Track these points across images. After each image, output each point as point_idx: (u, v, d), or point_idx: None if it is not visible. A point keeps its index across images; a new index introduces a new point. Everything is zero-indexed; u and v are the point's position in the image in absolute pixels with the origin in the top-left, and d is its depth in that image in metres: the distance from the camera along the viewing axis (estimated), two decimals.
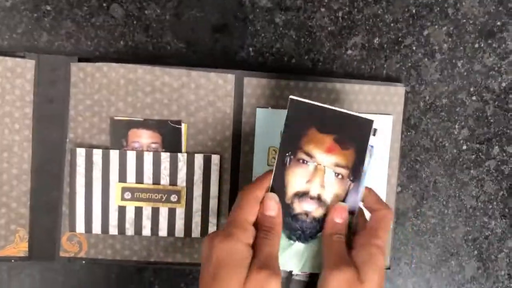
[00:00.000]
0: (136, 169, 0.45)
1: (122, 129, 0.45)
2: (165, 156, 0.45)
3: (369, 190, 0.38)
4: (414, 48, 0.48)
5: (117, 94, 0.44)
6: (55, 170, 0.45)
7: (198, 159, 0.45)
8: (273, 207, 0.35)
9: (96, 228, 0.45)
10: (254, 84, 0.45)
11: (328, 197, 0.37)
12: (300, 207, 0.37)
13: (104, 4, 0.46)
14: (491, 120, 0.49)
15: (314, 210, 0.37)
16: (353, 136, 0.36)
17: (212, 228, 0.46)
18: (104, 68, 0.44)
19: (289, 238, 0.37)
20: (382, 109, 0.47)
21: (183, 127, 0.45)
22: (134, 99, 0.45)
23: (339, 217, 0.37)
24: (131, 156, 0.45)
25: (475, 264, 0.50)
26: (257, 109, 0.45)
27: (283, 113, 0.44)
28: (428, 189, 0.49)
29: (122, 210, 0.45)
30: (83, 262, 0.46)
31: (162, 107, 0.45)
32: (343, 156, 0.36)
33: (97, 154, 0.45)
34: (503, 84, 0.49)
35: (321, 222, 0.37)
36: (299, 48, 0.47)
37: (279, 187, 0.36)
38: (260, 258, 0.33)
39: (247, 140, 0.46)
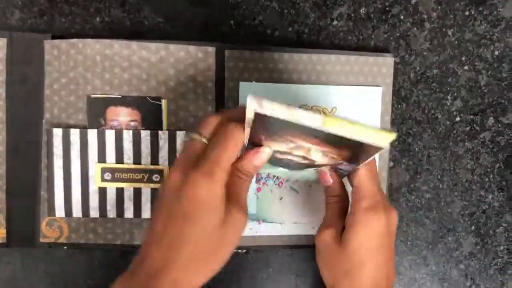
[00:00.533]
0: (116, 149, 0.43)
1: (100, 108, 0.43)
2: (145, 134, 0.43)
3: None
4: (402, 17, 0.46)
5: (93, 71, 0.42)
6: (31, 152, 0.43)
7: (180, 136, 0.43)
8: (263, 160, 0.34)
9: (77, 211, 0.43)
10: (236, 57, 0.43)
11: (316, 159, 0.35)
12: (283, 157, 0.36)
13: None
14: (485, 90, 0.47)
15: (299, 160, 0.36)
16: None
17: None
18: (79, 44, 0.42)
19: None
20: (370, 81, 0.45)
21: (163, 103, 0.43)
22: (111, 75, 0.43)
23: (326, 182, 0.38)
24: (109, 135, 0.43)
25: (473, 239, 0.48)
26: (240, 83, 0.44)
27: (268, 86, 0.43)
28: (422, 163, 0.47)
29: (102, 192, 0.43)
30: (65, 247, 0.44)
31: (140, 83, 0.43)
32: (337, 151, 0.33)
33: (75, 134, 0.43)
34: (496, 53, 0.47)
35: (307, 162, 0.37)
36: (282, 20, 0.46)
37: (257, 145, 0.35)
38: (240, 201, 0.32)
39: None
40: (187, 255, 0.30)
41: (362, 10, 0.46)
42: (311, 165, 0.37)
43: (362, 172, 0.36)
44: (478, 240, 0.48)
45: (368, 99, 0.45)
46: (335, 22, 0.46)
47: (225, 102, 0.44)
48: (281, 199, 0.45)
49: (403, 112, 0.47)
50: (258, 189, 0.44)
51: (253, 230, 0.45)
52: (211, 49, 0.43)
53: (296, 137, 0.31)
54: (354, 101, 0.44)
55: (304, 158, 0.35)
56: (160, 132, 0.43)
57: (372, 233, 0.36)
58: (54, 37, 0.43)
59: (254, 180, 0.44)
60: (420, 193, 0.47)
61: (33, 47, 0.43)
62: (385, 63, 0.45)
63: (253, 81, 0.44)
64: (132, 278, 0.31)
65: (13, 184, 0.43)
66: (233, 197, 0.32)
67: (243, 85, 0.43)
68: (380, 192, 0.37)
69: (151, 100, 0.43)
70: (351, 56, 0.44)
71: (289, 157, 0.36)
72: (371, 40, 0.46)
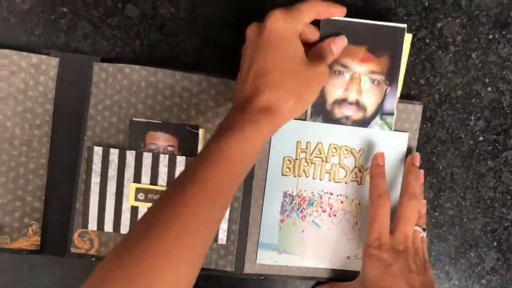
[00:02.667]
0: (151, 171, 0.45)
1: (140, 131, 0.45)
2: (180, 160, 0.45)
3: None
4: (427, 41, 0.48)
5: (137, 96, 0.45)
6: (71, 167, 0.46)
7: None
8: (341, 46, 0.42)
9: (108, 226, 0.46)
10: None
11: (366, 101, 0.42)
12: (340, 112, 0.43)
13: (119, 5, 0.47)
14: (507, 111, 0.49)
15: (354, 114, 0.44)
16: (385, 44, 0.42)
17: (222, 234, 0.46)
18: (126, 69, 0.45)
19: None
20: (398, 126, 0.47)
21: (200, 132, 0.45)
22: (153, 102, 0.45)
23: (380, 161, 0.45)
24: (147, 157, 0.45)
25: (494, 255, 0.50)
26: None
27: (298, 124, 0.45)
28: (445, 181, 0.49)
29: (134, 210, 0.46)
30: (93, 259, 0.46)
31: (180, 111, 0.45)
32: (376, 63, 0.43)
33: (114, 153, 0.45)
34: None
35: (361, 123, 0.44)
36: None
37: (318, 96, 0.41)
38: (321, 62, 0.39)
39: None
40: (274, 80, 0.35)
41: None
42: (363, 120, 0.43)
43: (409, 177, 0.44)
44: (499, 256, 0.50)
45: (394, 143, 0.47)
46: None
47: None
48: (303, 231, 0.47)
49: (427, 132, 0.49)
50: (282, 220, 0.46)
51: (273, 259, 0.46)
52: None
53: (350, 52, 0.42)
54: (381, 144, 0.46)
55: (357, 106, 0.43)
56: None
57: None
58: (103, 60, 0.45)
59: (278, 211, 0.46)
60: (444, 210, 0.49)
61: (82, 69, 0.45)
62: (414, 111, 0.47)
63: None
64: (230, 112, 0.36)
65: (51, 196, 0.46)
66: (316, 57, 0.39)
67: None
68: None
69: (189, 128, 0.45)
70: None
71: (345, 109, 0.43)
72: None
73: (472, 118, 0.49)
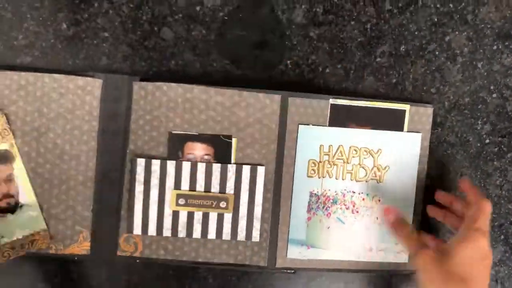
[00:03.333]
0: (190, 178, 0.50)
1: (179, 142, 0.50)
2: (216, 167, 0.50)
3: (465, 180, 0.48)
4: (437, 53, 0.52)
5: (175, 111, 0.49)
6: (116, 177, 0.50)
7: (246, 169, 0.50)
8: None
9: (152, 230, 0.50)
10: (297, 103, 0.50)
11: None
12: None
13: (156, 28, 0.51)
14: (511, 115, 0.53)
15: None
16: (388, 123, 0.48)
17: (255, 232, 0.51)
18: (164, 87, 0.49)
19: None
20: (411, 127, 0.51)
21: (233, 141, 0.50)
22: (190, 116, 0.50)
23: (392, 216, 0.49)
24: (186, 166, 0.50)
25: (502, 248, 0.54)
26: (299, 125, 0.50)
27: (320, 129, 0.50)
28: (455, 180, 0.54)
29: (175, 215, 0.50)
30: (137, 260, 0.51)
31: (214, 123, 0.50)
32: None
33: (156, 164, 0.50)
34: None
35: None
36: (332, 58, 0.52)
37: None
38: None
39: (289, 154, 0.51)
40: None
41: (402, 48, 0.52)
42: None
43: (480, 203, 0.45)
44: (507, 249, 0.54)
45: (408, 143, 0.51)
46: (378, 59, 0.52)
47: (285, 142, 0.50)
48: (328, 228, 0.51)
49: (438, 136, 0.53)
50: (309, 218, 0.51)
51: (302, 254, 0.51)
52: (277, 97, 0.50)
53: None
54: (397, 144, 0.51)
55: None
56: (229, 165, 0.50)
57: (478, 248, 0.42)
58: (142, 79, 0.50)
59: (305, 210, 0.51)
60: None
61: (123, 88, 0.50)
62: (425, 113, 0.51)
63: (310, 124, 0.50)
64: None
65: (99, 205, 0.51)
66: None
67: (301, 128, 0.50)
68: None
69: (223, 138, 0.50)
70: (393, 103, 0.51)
71: None
72: (410, 74, 0.53)
73: (479, 122, 0.53)
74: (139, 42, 0.51)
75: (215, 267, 0.52)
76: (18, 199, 0.49)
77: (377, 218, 0.52)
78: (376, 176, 0.51)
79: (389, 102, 0.51)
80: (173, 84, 0.49)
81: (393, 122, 0.51)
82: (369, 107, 0.50)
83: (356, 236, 0.52)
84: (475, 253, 0.42)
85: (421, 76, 0.53)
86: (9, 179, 0.48)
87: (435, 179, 0.53)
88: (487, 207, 0.44)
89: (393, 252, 0.52)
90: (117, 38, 0.51)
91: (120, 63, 0.51)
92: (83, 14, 0.51)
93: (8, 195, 0.48)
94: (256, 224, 0.51)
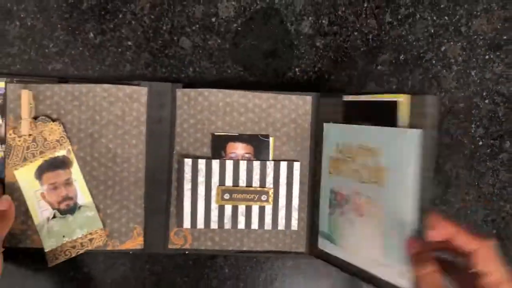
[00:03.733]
0: (233, 175, 0.54)
1: (221, 143, 0.54)
2: (256, 164, 0.54)
3: (454, 226, 0.38)
4: (433, 62, 0.57)
5: (216, 114, 0.54)
6: (164, 177, 0.54)
7: (283, 165, 0.55)
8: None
9: (200, 223, 0.54)
10: (326, 104, 0.54)
11: None
12: None
13: (175, 38, 0.56)
14: (503, 119, 0.58)
15: None
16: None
17: (294, 221, 0.55)
18: (205, 93, 0.53)
19: None
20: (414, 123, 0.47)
21: (271, 140, 0.55)
22: (230, 118, 0.54)
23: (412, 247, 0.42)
24: (229, 164, 0.54)
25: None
26: (324, 124, 0.53)
27: (339, 127, 0.51)
28: (451, 179, 0.58)
29: (221, 208, 0.55)
30: (186, 252, 0.55)
31: (253, 124, 0.54)
32: None
33: (201, 163, 0.54)
34: (511, 89, 0.57)
35: None
36: (336, 66, 0.57)
37: None
38: None
39: (320, 150, 0.54)
40: None
41: (401, 57, 0.57)
42: None
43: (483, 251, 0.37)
44: (499, 242, 0.58)
45: (407, 140, 0.44)
46: (379, 67, 0.57)
47: (318, 140, 0.54)
48: (343, 227, 0.51)
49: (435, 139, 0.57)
50: (330, 214, 0.53)
51: (327, 248, 0.53)
52: (309, 98, 0.54)
53: None
54: (395, 143, 0.45)
55: None
56: (267, 162, 0.54)
57: None
58: (184, 86, 0.54)
59: (327, 205, 0.53)
60: (450, 204, 0.58)
61: (167, 94, 0.54)
62: (429, 104, 0.45)
63: (331, 122, 0.53)
64: None
65: (150, 203, 0.54)
66: None
67: (326, 126, 0.53)
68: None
69: (261, 138, 0.54)
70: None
71: None
72: (409, 81, 0.57)
73: (473, 126, 0.58)
74: (160, 50, 0.56)
75: (237, 254, 0.56)
76: (76, 201, 0.53)
77: (378, 224, 0.47)
78: (377, 179, 0.47)
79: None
80: (213, 90, 0.53)
81: (390, 116, 0.46)
82: (374, 101, 0.48)
83: (362, 242, 0.49)
84: None
85: (419, 83, 0.57)
86: (68, 183, 0.53)
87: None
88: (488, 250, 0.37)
89: (396, 272, 0.45)
90: (140, 47, 0.56)
91: (142, 69, 0.56)
92: (109, 24, 0.55)
93: (67, 198, 0.52)
94: (294, 214, 0.55)
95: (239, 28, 0.56)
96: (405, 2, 0.56)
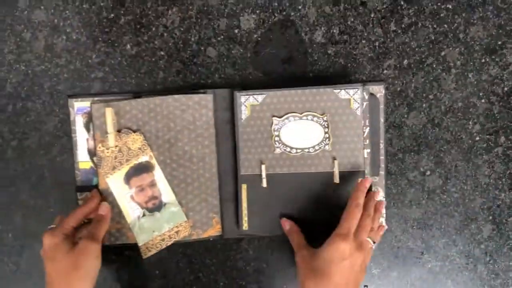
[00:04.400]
0: None
1: None
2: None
3: (361, 182, 0.58)
4: (434, 65, 0.63)
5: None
6: (233, 171, 0.62)
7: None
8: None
9: None
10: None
11: None
12: None
13: (202, 48, 0.63)
14: (498, 117, 0.64)
15: None
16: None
17: None
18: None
19: None
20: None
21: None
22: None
23: (367, 184, 0.59)
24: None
25: (490, 226, 0.65)
26: None
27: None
28: (451, 171, 0.64)
29: None
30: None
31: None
32: None
33: None
34: (505, 89, 0.64)
35: None
36: (346, 71, 0.63)
37: None
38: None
39: None
40: None
41: (405, 62, 0.63)
42: None
43: (349, 209, 0.56)
44: (494, 227, 0.65)
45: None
46: (385, 71, 0.63)
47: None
48: None
49: (436, 135, 0.64)
50: None
51: None
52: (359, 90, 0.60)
53: None
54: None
55: None
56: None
57: (335, 251, 0.52)
58: (243, 89, 0.60)
59: None
60: (450, 194, 0.65)
61: (230, 98, 0.60)
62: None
63: None
64: None
65: (224, 194, 0.62)
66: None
67: None
68: (352, 231, 0.54)
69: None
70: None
71: None
72: (412, 83, 0.63)
73: (470, 123, 0.64)
74: (189, 59, 0.63)
75: (260, 238, 0.63)
76: (161, 199, 0.61)
77: None
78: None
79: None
80: (271, 92, 0.59)
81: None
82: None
83: None
84: (334, 254, 0.52)
85: (421, 85, 0.63)
86: (152, 184, 0.61)
87: (433, 169, 0.64)
88: (353, 214, 0.55)
89: None
90: (171, 56, 0.63)
91: (174, 76, 0.63)
92: (143, 36, 0.63)
93: (153, 197, 0.61)
94: None
95: (259, 38, 0.63)
96: (408, 12, 0.62)
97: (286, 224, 0.60)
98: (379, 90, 0.63)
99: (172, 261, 0.65)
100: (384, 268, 0.65)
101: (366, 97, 0.61)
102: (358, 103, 0.60)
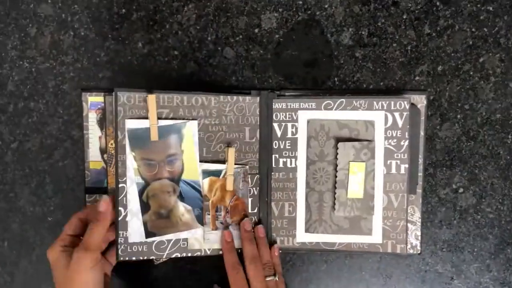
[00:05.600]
0: None
1: None
2: None
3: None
4: (471, 73, 0.58)
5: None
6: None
7: None
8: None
9: None
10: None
11: None
12: None
13: (219, 48, 0.58)
14: None
15: None
16: None
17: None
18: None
19: None
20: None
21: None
22: None
23: (247, 227, 0.57)
24: None
25: None
26: None
27: None
28: (486, 189, 0.59)
29: None
30: None
31: None
32: None
33: None
34: None
35: None
36: (375, 76, 0.58)
37: None
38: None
39: None
40: None
41: (439, 68, 0.58)
42: None
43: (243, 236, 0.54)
44: None
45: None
46: (417, 78, 0.58)
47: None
48: None
49: (471, 149, 0.58)
50: None
51: None
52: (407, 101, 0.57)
53: None
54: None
55: None
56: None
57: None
58: (279, 95, 0.57)
59: None
60: (485, 214, 0.59)
61: (269, 100, 0.56)
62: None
63: None
64: None
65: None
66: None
67: None
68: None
69: None
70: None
71: None
72: (446, 92, 0.58)
73: (510, 136, 0.58)
74: (205, 59, 0.58)
75: None
76: None
77: None
78: None
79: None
80: (305, 98, 0.56)
81: None
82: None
83: None
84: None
85: (456, 94, 0.58)
86: None
87: (466, 186, 0.59)
88: (234, 280, 0.52)
89: None
90: (185, 56, 0.58)
91: (187, 78, 0.58)
92: (156, 34, 0.58)
93: None
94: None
95: (281, 39, 0.58)
96: (445, 14, 0.57)
97: (227, 237, 0.56)
98: (420, 101, 0.57)
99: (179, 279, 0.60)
100: None
101: (407, 106, 0.55)
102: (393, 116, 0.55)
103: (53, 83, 0.59)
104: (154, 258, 0.55)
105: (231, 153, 0.54)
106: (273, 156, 0.57)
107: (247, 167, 0.56)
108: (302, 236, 0.58)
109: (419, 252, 0.58)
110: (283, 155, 0.57)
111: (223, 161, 0.55)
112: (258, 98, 0.56)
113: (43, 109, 0.59)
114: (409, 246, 0.58)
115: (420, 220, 0.58)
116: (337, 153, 0.56)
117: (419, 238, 0.58)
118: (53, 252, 0.49)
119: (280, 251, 0.56)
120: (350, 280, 0.60)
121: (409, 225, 0.58)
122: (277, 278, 0.53)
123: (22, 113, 0.59)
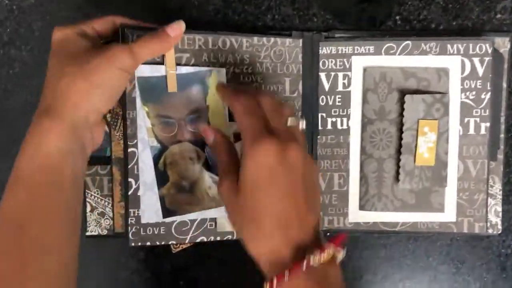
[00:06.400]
0: None
1: None
2: None
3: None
4: None
5: None
6: None
7: None
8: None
9: None
10: None
11: None
12: None
13: None
14: None
15: None
16: None
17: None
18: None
19: None
20: None
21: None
22: None
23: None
24: None
25: None
26: None
27: None
28: None
29: None
30: None
31: None
32: None
33: None
34: None
35: None
36: (446, 14, 0.47)
37: None
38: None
39: None
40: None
41: None
42: None
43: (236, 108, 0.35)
44: None
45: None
46: (498, 16, 0.47)
47: None
48: None
49: None
50: None
51: None
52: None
53: None
54: None
55: None
56: None
57: (260, 164, 0.32)
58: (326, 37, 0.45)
59: None
60: None
61: (315, 43, 0.45)
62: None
63: None
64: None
65: None
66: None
67: None
68: (261, 124, 0.33)
69: None
70: None
71: None
72: None
73: None
74: None
75: None
76: None
77: None
78: None
79: None
80: (360, 41, 0.45)
81: None
82: None
83: None
84: (258, 169, 0.32)
85: None
86: None
87: None
88: (249, 110, 0.34)
89: None
90: None
91: (211, 16, 0.47)
92: None
93: None
94: None
95: None
96: None
97: (209, 135, 0.38)
98: (503, 44, 0.46)
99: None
100: (487, 283, 0.49)
101: (490, 50, 0.44)
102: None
103: (39, 25, 0.47)
104: (173, 243, 0.43)
105: None
106: (320, 115, 0.46)
107: None
108: (356, 215, 0.47)
109: (499, 231, 0.47)
110: (332, 113, 0.46)
111: None
112: (300, 41, 0.45)
113: (27, 58, 0.47)
114: (488, 224, 0.47)
115: (501, 192, 0.47)
116: (402, 109, 0.45)
117: (500, 215, 0.47)
118: (66, 29, 0.38)
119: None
120: (414, 269, 0.49)
121: (488, 199, 0.47)
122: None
123: (1, 63, 0.47)
